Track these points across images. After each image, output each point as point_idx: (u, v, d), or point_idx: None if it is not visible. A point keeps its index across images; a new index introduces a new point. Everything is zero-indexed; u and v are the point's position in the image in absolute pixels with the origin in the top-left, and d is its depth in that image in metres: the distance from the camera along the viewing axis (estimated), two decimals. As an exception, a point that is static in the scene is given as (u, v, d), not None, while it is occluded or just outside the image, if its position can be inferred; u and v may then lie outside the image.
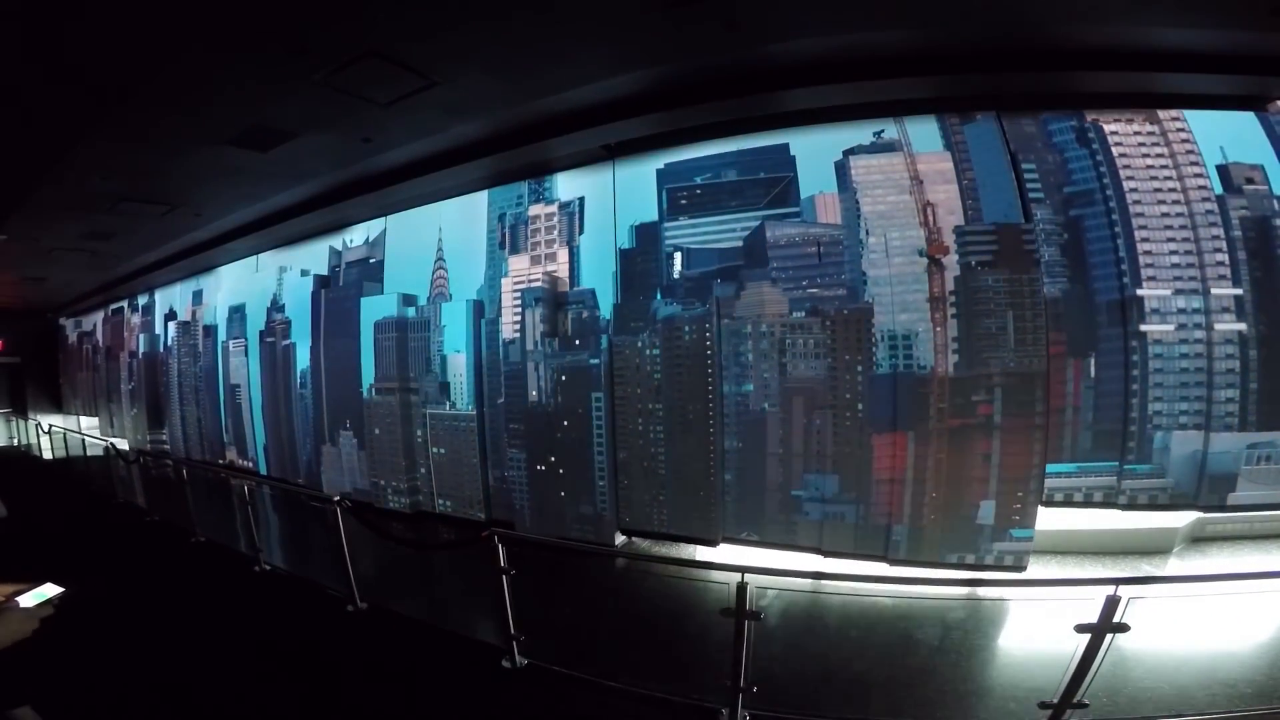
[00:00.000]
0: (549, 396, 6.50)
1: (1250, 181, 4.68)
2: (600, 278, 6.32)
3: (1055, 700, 3.06)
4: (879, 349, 5.07)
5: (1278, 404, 4.56)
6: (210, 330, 10.83)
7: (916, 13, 4.13)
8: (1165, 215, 4.72)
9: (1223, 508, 4.68)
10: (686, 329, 5.71)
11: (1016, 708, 3.45)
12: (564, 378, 6.39)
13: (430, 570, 6.31)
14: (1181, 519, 5.53)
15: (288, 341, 9.20)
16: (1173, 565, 5.31)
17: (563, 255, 6.61)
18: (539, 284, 6.61)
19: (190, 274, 11.23)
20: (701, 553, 6.55)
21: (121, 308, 14.18)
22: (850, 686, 3.89)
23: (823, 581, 4.20)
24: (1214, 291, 4.63)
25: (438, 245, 7.60)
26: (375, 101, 5.28)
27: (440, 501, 7.57)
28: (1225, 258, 4.63)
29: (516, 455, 6.83)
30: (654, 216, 6.05)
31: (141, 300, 13.31)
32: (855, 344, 5.14)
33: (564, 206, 6.63)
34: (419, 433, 7.60)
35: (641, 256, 6.09)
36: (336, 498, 5.43)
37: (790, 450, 5.40)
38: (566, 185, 6.71)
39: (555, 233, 6.66)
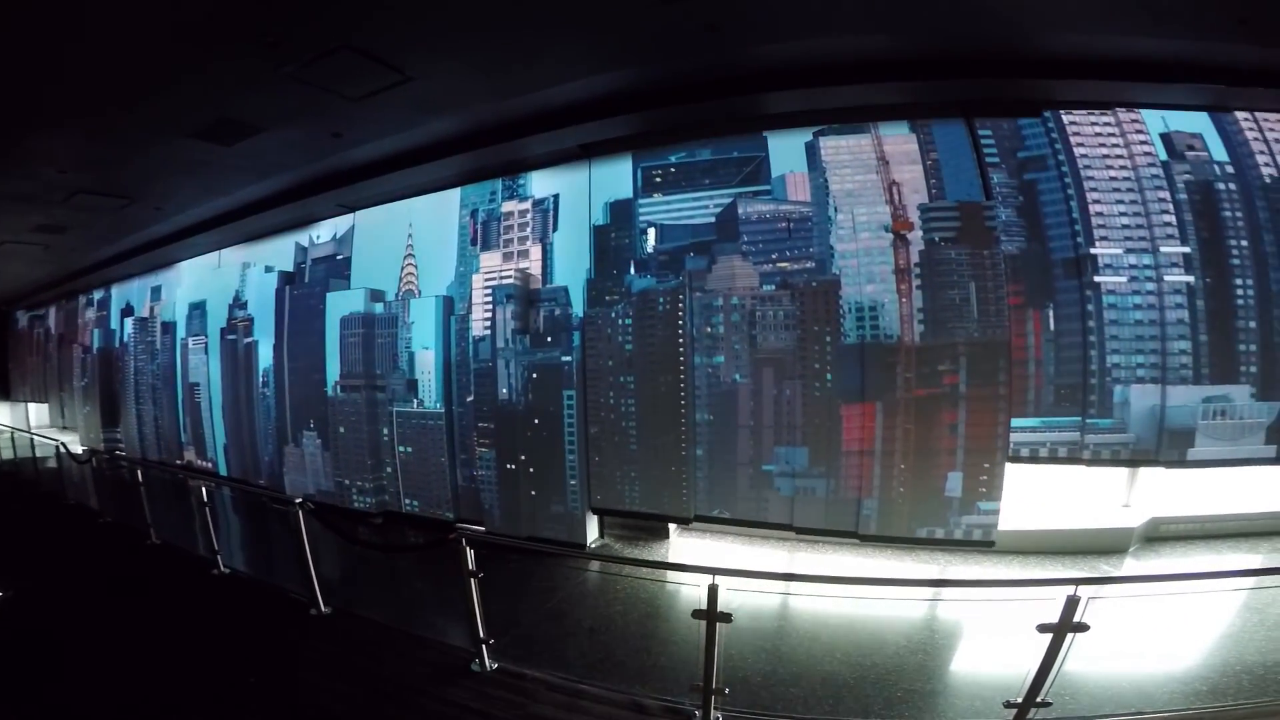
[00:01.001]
0: (520, 394, 6.42)
1: (1191, 149, 4.90)
2: (574, 275, 6.28)
3: (1019, 700, 3.11)
4: (846, 320, 5.16)
5: (1228, 356, 4.73)
6: (169, 327, 10.50)
7: (893, 21, 4.25)
8: (1114, 179, 4.91)
9: (1183, 463, 4.81)
10: (660, 300, 5.73)
11: (983, 706, 3.50)
12: (535, 375, 6.34)
13: (397, 573, 6.16)
14: (1136, 519, 5.75)
15: (250, 339, 8.96)
16: (1129, 565, 5.48)
17: (535, 252, 6.57)
18: (511, 281, 6.55)
19: (149, 269, 10.94)
20: (674, 535, 6.60)
21: (76, 301, 13.73)
22: (821, 687, 3.93)
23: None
24: (1162, 249, 4.81)
25: (407, 240, 7.49)
26: (346, 96, 5.24)
27: (407, 501, 7.41)
28: (1172, 218, 4.82)
29: (486, 454, 6.73)
30: (629, 194, 6.07)
31: (97, 295, 12.89)
32: (824, 315, 5.23)
33: (538, 203, 6.60)
34: (385, 431, 7.44)
35: (615, 232, 6.09)
36: (298, 500, 5.29)
37: (761, 422, 5.43)
38: (541, 182, 6.69)
39: (529, 229, 6.62)
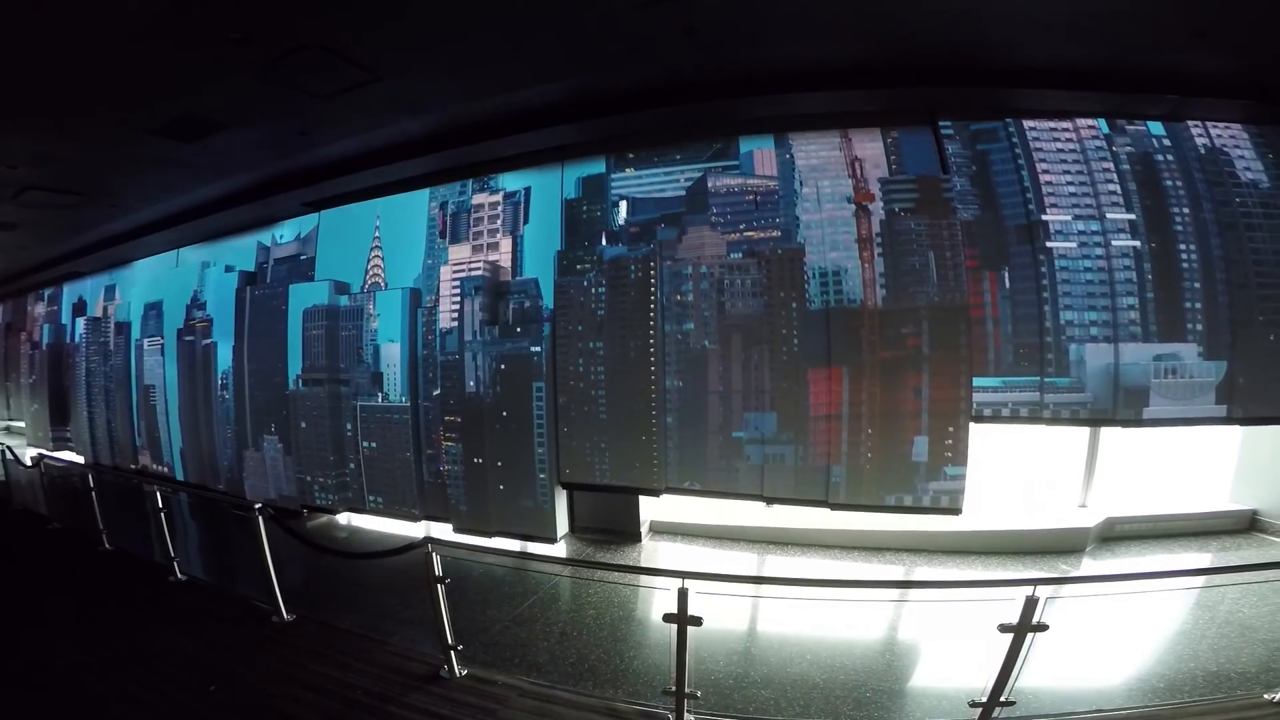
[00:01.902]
0: (487, 387, 6.35)
1: (1131, 121, 5.16)
2: (544, 268, 6.26)
3: (984, 699, 3.20)
4: (811, 286, 5.26)
5: (1175, 316, 4.89)
6: (123, 327, 10.16)
7: (868, 30, 4.40)
8: (1060, 150, 5.11)
9: (1139, 422, 4.93)
10: (632, 267, 5.78)
11: (950, 706, 3.58)
12: (503, 366, 6.28)
13: (362, 578, 6.05)
14: (1092, 519, 6.04)
15: (209, 341, 8.71)
16: (1086, 565, 5.73)
17: (506, 245, 6.53)
18: (480, 272, 6.50)
19: (104, 268, 10.63)
20: (646, 539, 6.64)
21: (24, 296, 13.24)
22: (791, 689, 4.00)
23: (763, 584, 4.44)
24: (1109, 216, 5.00)
25: (375, 233, 7.40)
26: (314, 94, 5.20)
27: (371, 499, 7.21)
28: (1117, 187, 5.02)
29: (452, 448, 6.61)
30: (601, 169, 6.13)
31: (47, 291, 12.50)
32: (789, 281, 5.32)
33: (509, 196, 6.59)
34: (349, 426, 7.25)
35: (587, 205, 6.13)
36: (258, 505, 5.18)
37: (730, 388, 5.47)
38: (513, 176, 6.67)
39: (499, 222, 6.59)
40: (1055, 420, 5.00)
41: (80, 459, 11.15)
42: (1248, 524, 6.25)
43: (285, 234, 8.32)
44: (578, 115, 5.75)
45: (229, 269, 8.67)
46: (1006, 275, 5.06)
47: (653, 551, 6.54)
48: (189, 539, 7.73)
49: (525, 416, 6.20)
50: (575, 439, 6.02)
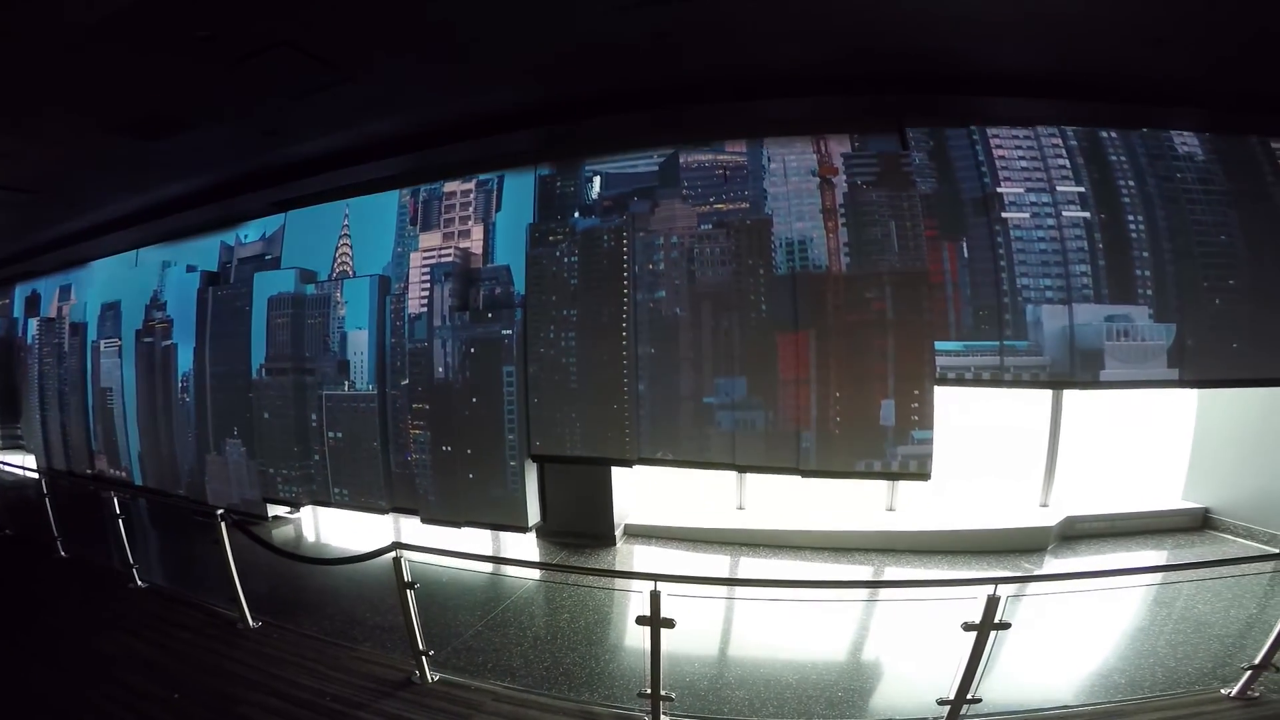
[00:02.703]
0: (456, 372, 6.28)
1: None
2: (516, 253, 6.24)
3: (952, 697, 3.25)
4: (778, 254, 5.39)
5: (1125, 279, 5.10)
6: (79, 328, 9.83)
7: (837, 37, 4.51)
8: (1013, 128, 5.36)
9: (1096, 384, 5.10)
10: (605, 237, 5.83)
11: (920, 704, 3.60)
12: (473, 350, 6.21)
13: (330, 584, 5.97)
14: (1053, 518, 6.25)
15: (169, 342, 8.48)
16: (1048, 563, 5.91)
17: (477, 232, 6.50)
18: (451, 259, 6.46)
19: (59, 268, 10.29)
20: (620, 543, 6.61)
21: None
22: (764, 689, 4.04)
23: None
24: (1059, 189, 5.22)
25: (343, 221, 7.30)
26: (281, 93, 5.14)
27: (336, 491, 7.03)
28: (1065, 162, 5.26)
29: (421, 436, 6.49)
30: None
31: None
32: (757, 250, 5.44)
33: (482, 184, 6.57)
34: (314, 416, 7.08)
35: (561, 180, 6.18)
36: (220, 510, 5.08)
37: (701, 353, 5.52)
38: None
39: (471, 209, 6.57)
40: (1016, 383, 5.14)
41: (32, 461, 10.77)
42: (1201, 522, 6.46)
43: (250, 234, 8.16)
44: (549, 118, 5.79)
45: (191, 269, 8.47)
46: (965, 245, 5.23)
47: (627, 555, 6.53)
48: (150, 545, 7.51)
49: (496, 401, 6.14)
50: (546, 409, 5.98)
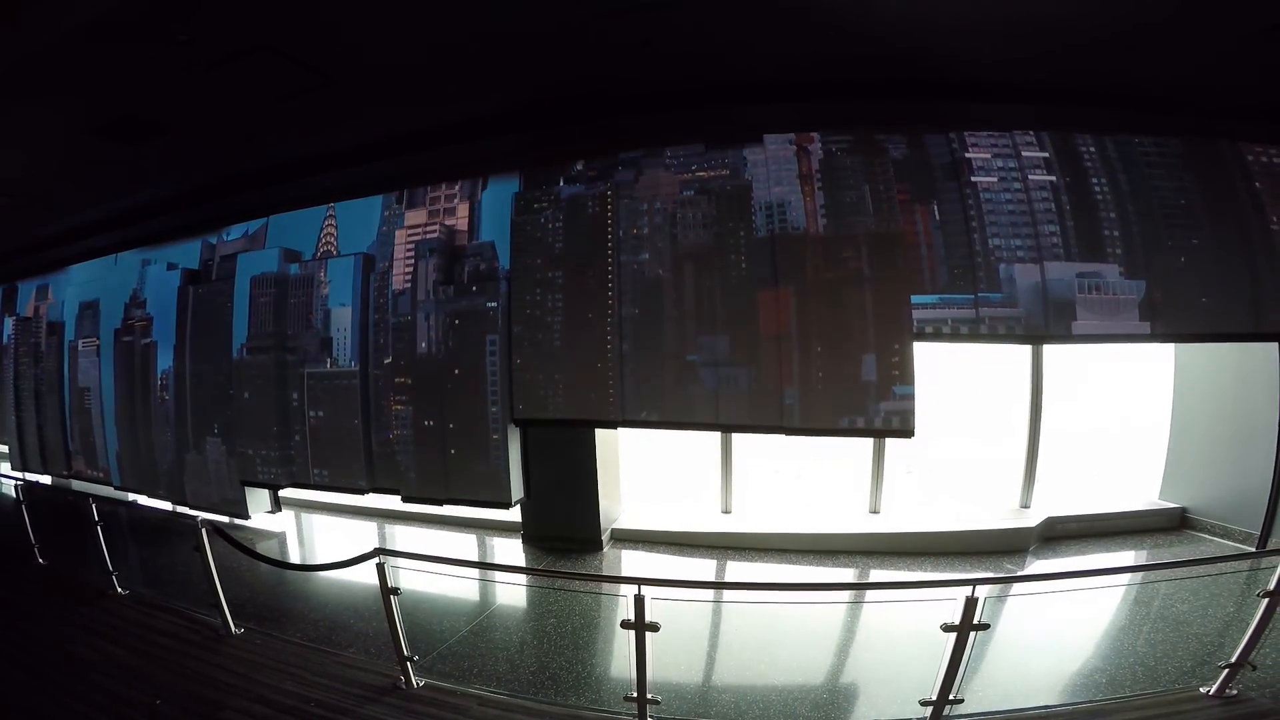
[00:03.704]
0: (439, 345, 6.27)
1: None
2: (501, 231, 6.25)
3: (934, 697, 3.29)
4: (758, 216, 5.50)
5: (1093, 239, 5.26)
6: (56, 328, 9.68)
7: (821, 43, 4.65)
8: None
9: (1070, 337, 5.22)
10: (590, 203, 5.90)
11: (903, 706, 3.65)
12: (457, 322, 6.21)
13: (313, 590, 5.96)
14: (1034, 519, 6.34)
15: (148, 340, 8.36)
16: (1030, 564, 6.00)
17: (463, 210, 6.51)
18: (436, 234, 6.47)
19: (35, 272, 10.16)
20: (606, 548, 6.64)
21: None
22: (750, 692, 4.06)
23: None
24: (1024, 154, 5.40)
25: (327, 208, 7.24)
26: (262, 97, 5.13)
27: (316, 472, 6.91)
28: (1031, 136, 5.44)
29: (402, 412, 6.43)
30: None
31: None
32: (737, 213, 5.54)
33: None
34: (295, 396, 6.98)
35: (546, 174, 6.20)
36: (200, 518, 5.06)
37: (684, 312, 5.59)
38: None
39: (457, 187, 6.58)
40: (993, 337, 5.25)
41: (6, 466, 10.56)
42: (1178, 522, 6.53)
43: (233, 232, 8.06)
44: (532, 123, 5.90)
45: (171, 266, 8.36)
46: (936, 208, 5.37)
47: (614, 559, 6.52)
48: (130, 552, 7.40)
49: (479, 371, 6.11)
50: (530, 371, 5.96)
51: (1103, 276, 5.21)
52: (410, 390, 6.41)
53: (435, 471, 6.30)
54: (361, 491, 6.76)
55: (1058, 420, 6.73)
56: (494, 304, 6.08)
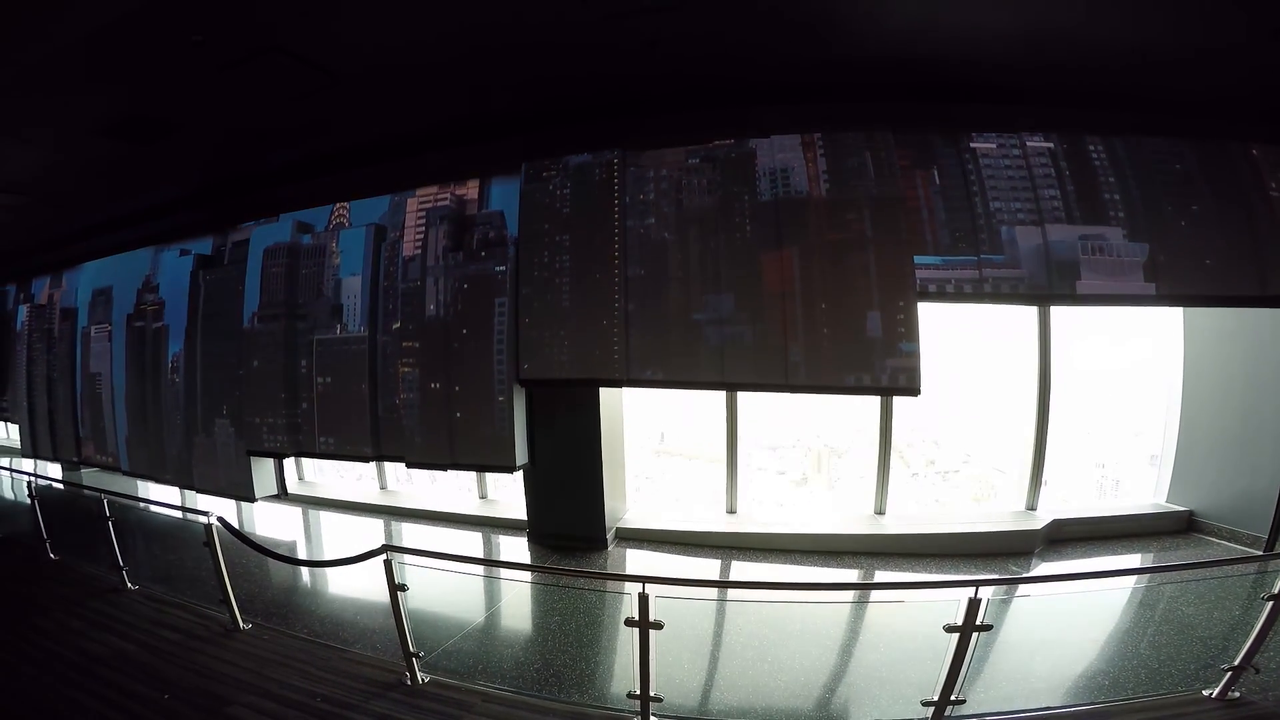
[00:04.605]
0: (448, 308, 6.33)
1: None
2: (510, 201, 6.34)
3: (936, 698, 3.31)
4: (762, 182, 5.59)
5: (1095, 203, 5.31)
6: (69, 314, 9.77)
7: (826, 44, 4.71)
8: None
9: (1074, 297, 5.24)
10: (597, 170, 5.98)
11: (906, 706, 3.65)
12: (466, 286, 6.29)
13: (320, 584, 6.04)
14: (1040, 522, 6.32)
15: (160, 324, 8.45)
16: (1036, 566, 5.99)
17: (473, 183, 6.63)
18: (446, 204, 6.56)
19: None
20: (611, 546, 6.65)
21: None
22: (753, 694, 4.05)
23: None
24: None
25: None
26: (274, 96, 5.18)
27: (322, 439, 6.94)
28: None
29: (410, 375, 6.47)
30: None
31: None
32: (741, 179, 5.64)
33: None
34: (303, 363, 7.03)
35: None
36: (206, 515, 5.06)
37: (689, 273, 5.65)
38: None
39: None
40: (997, 296, 5.28)
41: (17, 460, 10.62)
42: (1185, 524, 6.48)
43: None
44: (538, 123, 5.99)
45: (184, 252, 8.44)
46: (936, 173, 5.45)
47: (618, 558, 6.51)
48: (140, 547, 7.46)
49: (486, 333, 6.17)
50: (536, 330, 6.00)
51: (1106, 239, 5.26)
52: (418, 353, 6.45)
53: (440, 435, 6.33)
54: (366, 459, 6.77)
55: (1065, 424, 6.70)
56: (502, 268, 6.15)
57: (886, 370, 5.19)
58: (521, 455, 6.23)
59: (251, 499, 7.62)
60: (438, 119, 5.99)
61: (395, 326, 6.59)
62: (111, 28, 4.02)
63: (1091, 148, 5.39)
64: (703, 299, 5.58)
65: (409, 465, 6.54)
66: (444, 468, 6.36)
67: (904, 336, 5.18)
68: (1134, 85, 5.13)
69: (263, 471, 7.69)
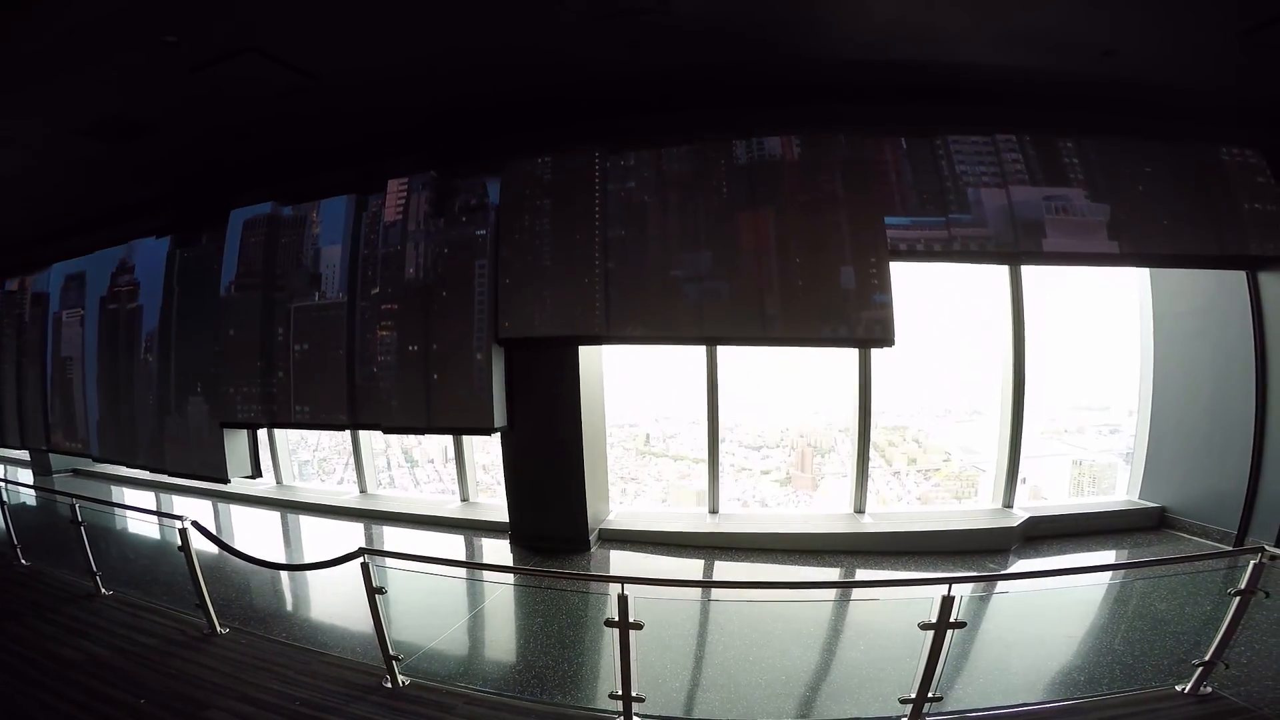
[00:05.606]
0: (428, 271, 6.32)
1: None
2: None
3: (913, 695, 3.32)
4: (737, 146, 5.79)
5: (1056, 166, 5.61)
6: (40, 299, 9.53)
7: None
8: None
9: (1040, 255, 5.50)
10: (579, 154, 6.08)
11: (884, 704, 3.65)
12: (446, 250, 6.30)
13: (298, 588, 5.98)
14: (1016, 519, 6.39)
15: (135, 304, 8.30)
16: (1012, 563, 6.05)
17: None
18: (430, 172, 6.56)
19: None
20: (594, 548, 6.59)
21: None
22: (735, 692, 4.04)
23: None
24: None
25: None
26: (251, 97, 5.14)
27: (298, 408, 6.86)
28: None
29: (388, 339, 6.42)
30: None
31: None
32: (718, 146, 5.83)
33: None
34: (280, 330, 6.95)
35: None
36: (179, 520, 4.90)
37: (668, 233, 5.79)
38: None
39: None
40: (965, 255, 5.52)
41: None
42: (1157, 521, 6.58)
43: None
44: (522, 123, 6.11)
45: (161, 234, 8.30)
46: (903, 140, 5.70)
47: (602, 560, 6.47)
48: (113, 552, 7.34)
49: (466, 292, 6.18)
50: (517, 289, 6.03)
51: (1069, 200, 5.50)
52: (396, 315, 6.42)
53: (417, 398, 6.30)
54: (342, 427, 6.72)
55: (1040, 422, 6.81)
56: (483, 232, 6.19)
57: (861, 321, 5.36)
58: (500, 417, 6.20)
59: (225, 479, 7.49)
60: (416, 122, 6.05)
61: (374, 292, 6.56)
62: (87, 25, 3.96)
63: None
64: (680, 257, 5.71)
65: (385, 431, 6.50)
66: (420, 432, 6.37)
67: (877, 289, 5.35)
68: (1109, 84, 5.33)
69: (237, 451, 7.56)
